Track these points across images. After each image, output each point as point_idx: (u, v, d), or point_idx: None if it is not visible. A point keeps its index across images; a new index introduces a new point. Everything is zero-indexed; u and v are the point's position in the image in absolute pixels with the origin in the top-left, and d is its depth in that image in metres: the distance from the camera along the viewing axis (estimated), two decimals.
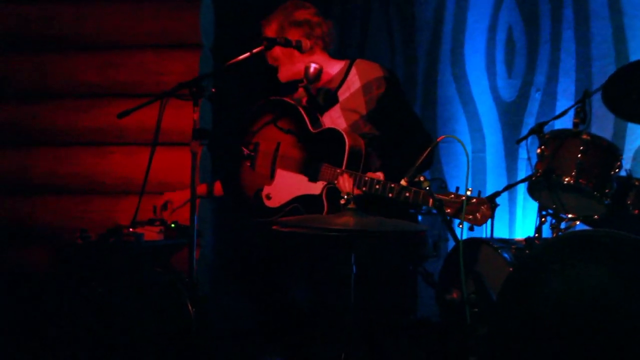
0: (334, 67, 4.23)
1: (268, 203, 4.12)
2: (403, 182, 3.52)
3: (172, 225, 4.40)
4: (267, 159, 4.19)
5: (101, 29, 5.52)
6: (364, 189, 3.77)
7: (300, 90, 4.33)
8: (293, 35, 4.13)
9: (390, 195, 3.69)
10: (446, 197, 3.50)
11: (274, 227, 3.83)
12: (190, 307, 3.75)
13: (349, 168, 3.89)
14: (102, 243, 4.22)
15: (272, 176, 4.15)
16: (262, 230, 4.10)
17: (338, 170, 3.88)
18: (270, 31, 4.19)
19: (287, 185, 4.08)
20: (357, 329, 3.80)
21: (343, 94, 4.16)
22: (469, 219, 3.46)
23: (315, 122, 4.13)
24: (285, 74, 4.25)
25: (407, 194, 3.63)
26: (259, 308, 4.27)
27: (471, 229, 3.50)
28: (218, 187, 4.46)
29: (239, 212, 4.32)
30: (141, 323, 3.79)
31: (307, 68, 4.17)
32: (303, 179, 4.04)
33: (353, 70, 4.17)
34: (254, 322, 4.62)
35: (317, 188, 3.97)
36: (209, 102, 5.36)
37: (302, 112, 4.12)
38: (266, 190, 4.14)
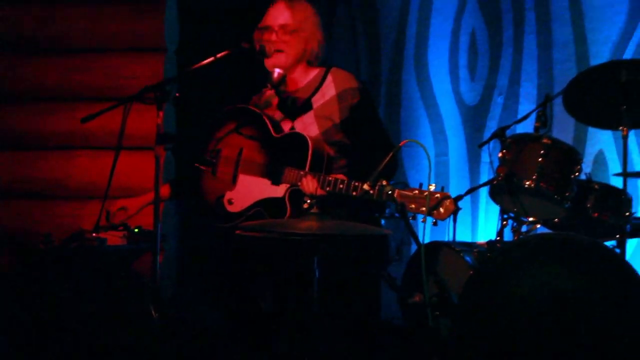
0: (310, 74, 4.26)
1: (230, 208, 4.14)
2: (366, 187, 3.56)
3: (136, 230, 4.39)
4: (229, 164, 4.20)
5: (66, 32, 5.51)
6: (328, 189, 3.81)
7: (268, 92, 4.34)
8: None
9: (354, 193, 3.74)
10: (410, 193, 3.54)
11: (237, 232, 3.85)
12: (153, 312, 3.75)
13: (312, 170, 3.92)
14: (65, 248, 4.21)
15: (234, 181, 4.16)
16: (227, 235, 4.11)
17: (302, 172, 3.91)
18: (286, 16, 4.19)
19: (250, 190, 4.10)
20: (320, 332, 3.83)
21: (317, 101, 4.19)
22: (433, 213, 3.50)
23: (278, 128, 4.16)
24: (282, 63, 4.22)
25: (372, 192, 3.66)
26: (225, 312, 4.28)
27: (435, 223, 3.54)
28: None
29: (201, 219, 4.32)
30: (104, 328, 3.78)
31: (270, 73, 4.20)
32: (266, 182, 4.06)
33: (329, 78, 4.21)
34: (218, 325, 4.63)
35: (280, 191, 4.00)
36: (173, 106, 5.36)
37: (265, 119, 4.15)
38: (228, 195, 4.16)
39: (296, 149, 3.98)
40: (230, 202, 4.15)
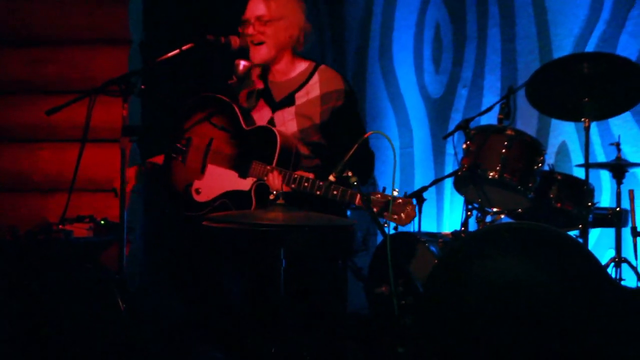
0: (297, 68, 4.24)
1: (197, 197, 4.15)
2: (331, 177, 3.57)
3: (102, 222, 4.40)
4: (198, 154, 4.21)
5: (31, 24, 5.47)
6: (292, 186, 3.83)
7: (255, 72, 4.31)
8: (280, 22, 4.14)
9: (318, 192, 3.76)
10: (372, 197, 3.57)
11: (204, 223, 3.86)
12: (120, 303, 3.75)
13: (279, 166, 3.93)
14: (31, 240, 4.19)
15: (202, 171, 4.17)
16: (195, 226, 4.11)
17: (268, 167, 3.93)
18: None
19: (217, 181, 4.11)
20: (288, 322, 3.84)
21: (300, 98, 4.18)
22: (394, 218, 3.53)
23: (249, 119, 4.17)
24: (264, 55, 4.19)
25: (335, 192, 3.70)
26: (193, 302, 4.29)
27: (395, 228, 3.58)
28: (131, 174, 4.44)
29: (169, 207, 4.33)
30: (71, 320, 3.78)
31: (236, 65, 4.20)
32: (233, 174, 4.08)
33: (315, 77, 4.19)
34: (186, 316, 4.63)
35: (246, 184, 4.02)
36: (139, 98, 5.35)
37: (236, 109, 4.16)
38: (196, 184, 4.17)
39: (265, 143, 3.99)
40: (197, 191, 4.15)
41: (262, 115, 4.23)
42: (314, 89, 4.16)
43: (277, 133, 4.00)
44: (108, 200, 5.12)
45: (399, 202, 3.55)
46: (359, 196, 3.60)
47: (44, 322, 3.72)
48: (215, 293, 4.25)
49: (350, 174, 3.55)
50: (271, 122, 4.18)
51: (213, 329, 4.24)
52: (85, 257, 4.52)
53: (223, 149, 4.15)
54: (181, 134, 4.28)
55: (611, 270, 5.18)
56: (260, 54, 4.15)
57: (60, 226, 4.26)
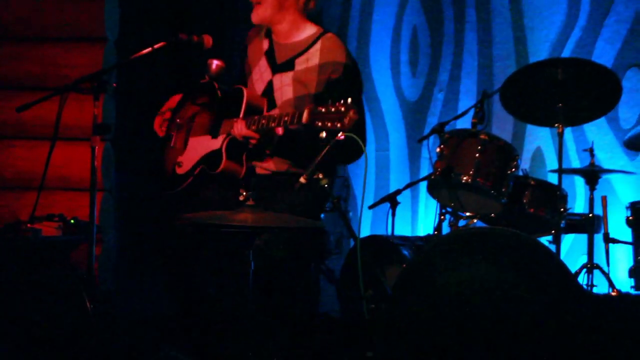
0: (305, 32, 4.14)
1: (178, 170, 4.14)
2: (302, 180, 3.55)
3: (72, 221, 4.37)
4: (182, 132, 4.22)
5: (4, 20, 5.42)
6: (253, 127, 3.85)
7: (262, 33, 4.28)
8: None
9: (272, 124, 3.79)
10: (319, 109, 3.49)
11: (178, 222, 3.84)
12: (88, 304, 3.72)
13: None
14: None
15: (185, 146, 4.16)
16: (169, 226, 4.09)
17: (235, 120, 3.93)
18: None
19: (195, 150, 4.12)
20: (258, 325, 3.83)
21: (300, 65, 4.08)
22: (337, 125, 3.42)
23: (223, 88, 4.16)
24: (261, 15, 4.12)
25: (286, 118, 3.71)
26: (164, 302, 4.27)
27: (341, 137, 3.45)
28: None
29: (161, 189, 4.29)
30: (38, 320, 3.75)
31: (209, 64, 4.18)
32: (207, 138, 4.08)
33: (318, 44, 4.08)
34: (155, 316, 4.61)
35: (217, 143, 4.02)
36: (112, 97, 5.31)
37: (215, 84, 4.13)
38: (179, 159, 4.17)
39: (235, 102, 3.99)
40: (179, 165, 4.15)
41: (262, 77, 4.17)
42: (314, 56, 4.06)
43: (243, 89, 4.02)
44: (80, 199, 5.09)
45: (340, 109, 3.42)
46: (307, 110, 3.55)
47: (10, 321, 3.68)
48: (186, 294, 4.22)
49: (320, 176, 3.54)
50: (269, 85, 4.12)
51: (181, 330, 4.22)
52: (54, 256, 4.49)
53: (202, 121, 4.16)
54: (172, 124, 4.27)
55: (583, 277, 5.19)
56: (257, 13, 4.09)
57: (29, 225, 4.23)
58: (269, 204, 3.77)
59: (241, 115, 3.94)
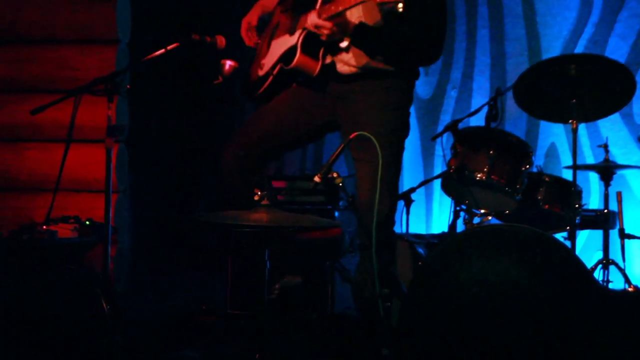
0: None
1: (259, 72, 4.05)
2: (317, 179, 3.54)
3: (87, 222, 4.37)
4: (266, 38, 4.11)
5: (17, 22, 5.45)
6: (324, 15, 3.65)
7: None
8: None
9: (340, 8, 3.59)
10: None
11: (191, 221, 3.83)
12: (104, 304, 3.72)
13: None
14: (15, 240, 4.17)
15: (268, 48, 4.10)
16: (182, 226, 4.08)
17: (309, 12, 3.76)
18: None
19: (275, 50, 4.01)
20: (274, 324, 3.83)
21: None
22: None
23: None
24: None
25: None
26: (179, 302, 4.26)
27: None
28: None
29: (246, 97, 4.21)
30: (55, 321, 3.76)
31: (222, 65, 4.17)
32: (286, 37, 3.97)
33: None
34: (170, 316, 4.62)
35: (294, 38, 3.89)
36: (125, 98, 5.33)
37: None
38: (261, 62, 4.09)
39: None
40: (261, 67, 4.06)
41: None
42: None
43: None
44: (94, 200, 5.11)
45: None
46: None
47: (26, 323, 3.69)
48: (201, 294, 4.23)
49: (335, 174, 3.53)
50: None
51: (197, 330, 4.23)
52: (70, 257, 4.49)
53: (285, 22, 4.05)
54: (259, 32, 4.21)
55: (599, 273, 5.18)
56: None
57: (45, 226, 4.24)
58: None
59: (317, 6, 3.74)
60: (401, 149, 3.91)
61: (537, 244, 3.37)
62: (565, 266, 3.31)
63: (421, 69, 6.01)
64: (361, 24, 3.71)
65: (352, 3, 3.55)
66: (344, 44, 3.74)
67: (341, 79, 3.85)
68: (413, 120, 6.67)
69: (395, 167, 3.86)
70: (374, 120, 3.68)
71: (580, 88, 4.68)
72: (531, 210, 4.79)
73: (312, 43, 3.81)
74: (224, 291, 4.44)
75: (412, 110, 6.55)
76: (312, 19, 3.69)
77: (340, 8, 3.60)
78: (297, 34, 3.88)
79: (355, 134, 3.53)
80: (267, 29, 4.19)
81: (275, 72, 3.97)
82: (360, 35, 3.72)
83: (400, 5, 3.33)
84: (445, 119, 6.54)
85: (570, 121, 4.71)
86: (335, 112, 3.88)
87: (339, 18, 3.65)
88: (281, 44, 4.00)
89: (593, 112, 4.91)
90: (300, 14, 3.93)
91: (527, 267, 3.33)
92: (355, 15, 3.72)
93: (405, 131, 3.94)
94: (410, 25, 3.63)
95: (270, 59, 4.05)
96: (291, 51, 3.87)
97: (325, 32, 3.66)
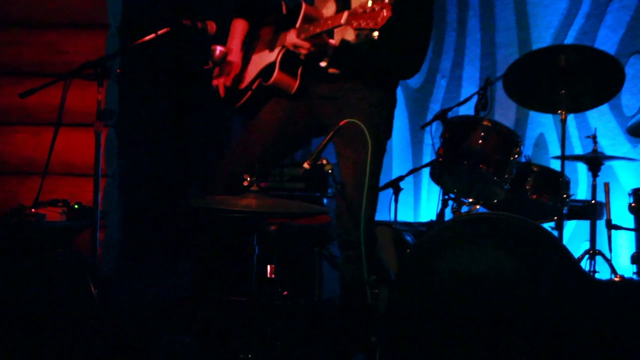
0: None
1: (240, 85, 4.06)
2: (306, 165, 3.54)
3: (76, 206, 4.37)
4: (248, 53, 4.14)
5: (7, 6, 5.42)
6: (302, 35, 3.69)
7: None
8: None
9: (318, 30, 3.62)
10: (360, 9, 3.42)
11: (182, 207, 3.82)
12: (92, 288, 3.72)
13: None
14: (3, 223, 4.16)
15: (248, 62, 4.11)
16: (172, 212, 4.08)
17: (289, 30, 3.80)
18: None
19: (255, 65, 4.03)
20: (261, 311, 3.84)
21: None
22: (370, 25, 3.36)
23: (289, 6, 4.05)
24: None
25: (329, 22, 3.57)
26: (166, 286, 4.26)
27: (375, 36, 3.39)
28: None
29: (225, 105, 4.21)
30: (42, 304, 3.76)
31: (212, 50, 4.17)
32: (266, 52, 4.00)
33: None
34: (158, 301, 4.62)
35: (273, 55, 3.92)
36: (115, 83, 5.31)
37: (283, 4, 4.03)
38: (243, 74, 4.09)
39: (294, 16, 3.84)
40: (241, 80, 4.08)
41: None
42: None
43: (302, 3, 3.84)
44: (82, 185, 5.11)
45: (374, 7, 3.30)
46: (346, 12, 3.41)
47: (14, 306, 3.69)
48: (188, 278, 4.23)
49: (325, 161, 3.53)
50: None
51: (185, 315, 4.23)
52: (58, 241, 4.49)
53: (265, 37, 4.08)
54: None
55: (585, 263, 5.21)
56: None
57: (33, 210, 4.23)
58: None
59: (297, 25, 3.78)
60: (383, 150, 3.91)
61: (525, 232, 3.39)
62: (552, 255, 3.33)
63: None
64: (340, 45, 3.73)
65: (330, 26, 3.58)
66: (323, 64, 3.76)
67: (328, 78, 3.86)
68: (402, 109, 6.70)
69: (376, 166, 3.84)
70: (361, 116, 3.67)
71: (569, 79, 4.69)
72: (519, 200, 4.82)
73: (290, 61, 3.85)
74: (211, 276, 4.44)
75: (401, 98, 6.65)
76: (291, 38, 3.73)
77: (319, 30, 3.64)
78: (276, 50, 3.91)
79: (345, 121, 3.53)
80: (248, 39, 4.20)
81: (254, 87, 4.00)
82: (339, 57, 3.74)
83: (376, 33, 3.35)
84: (435, 107, 6.56)
85: (559, 112, 4.72)
86: (323, 113, 3.87)
87: (317, 39, 3.68)
88: (261, 59, 4.02)
89: (582, 102, 4.92)
90: (281, 30, 3.96)
91: (514, 255, 3.35)
92: (334, 38, 3.74)
93: (388, 133, 3.94)
94: (388, 50, 3.65)
95: (250, 73, 4.07)
96: (270, 68, 3.90)
97: (304, 52, 3.70)
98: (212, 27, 4.13)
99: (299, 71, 3.87)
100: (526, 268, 3.35)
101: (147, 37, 4.02)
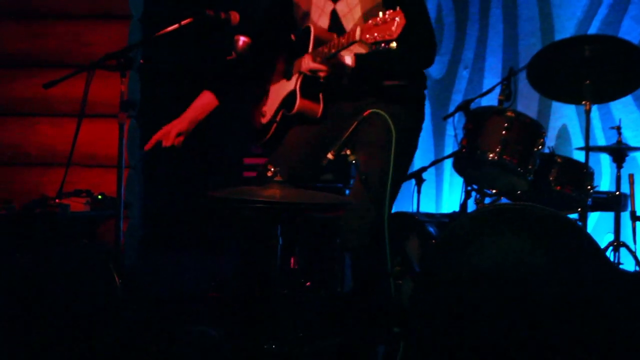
0: None
1: (262, 120, 4.05)
2: (330, 156, 3.53)
3: (99, 196, 4.38)
4: (266, 85, 4.13)
5: None
6: (318, 59, 3.68)
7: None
8: None
9: (333, 51, 3.62)
10: (372, 22, 3.41)
11: (205, 198, 3.80)
12: (116, 278, 3.73)
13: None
14: (27, 213, 4.17)
15: (267, 95, 4.10)
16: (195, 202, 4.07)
17: (303, 56, 3.79)
18: None
19: (275, 96, 4.02)
20: (282, 302, 3.83)
21: None
22: (386, 37, 3.35)
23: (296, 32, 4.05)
24: None
25: (343, 40, 3.57)
26: (189, 278, 4.26)
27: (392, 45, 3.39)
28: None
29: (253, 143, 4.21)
30: (67, 294, 3.77)
31: (235, 41, 4.15)
32: (283, 82, 3.98)
33: None
34: (181, 292, 4.62)
35: (292, 83, 3.90)
36: (138, 74, 5.32)
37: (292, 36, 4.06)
38: (263, 109, 4.09)
39: (304, 42, 3.84)
40: (263, 114, 4.06)
41: (324, 11, 3.93)
42: None
43: (310, 26, 3.83)
44: (105, 175, 5.13)
45: (386, 18, 3.32)
46: (358, 27, 3.43)
47: (39, 296, 3.70)
48: (213, 270, 4.23)
49: (348, 152, 3.51)
50: (334, 15, 3.89)
51: (208, 306, 4.23)
52: (82, 231, 4.50)
53: (280, 68, 4.06)
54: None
55: (609, 255, 5.18)
56: None
57: (57, 200, 4.24)
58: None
59: (310, 50, 3.77)
60: (407, 162, 3.90)
61: (552, 223, 3.36)
62: (579, 246, 3.31)
63: None
64: (356, 61, 3.70)
65: (345, 44, 3.56)
66: (344, 82, 3.75)
67: (351, 96, 3.84)
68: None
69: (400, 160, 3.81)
70: (385, 129, 3.64)
71: (594, 69, 4.65)
72: (543, 191, 4.78)
73: (310, 86, 3.83)
74: (236, 267, 4.44)
75: None
76: (307, 63, 3.71)
77: (333, 50, 3.62)
78: (294, 78, 3.89)
79: (369, 111, 3.52)
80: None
81: (278, 118, 3.99)
82: (357, 72, 3.71)
83: (394, 44, 3.35)
84: (457, 98, 6.53)
85: (583, 102, 4.68)
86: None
87: (333, 59, 3.67)
88: (279, 90, 4.01)
89: (606, 93, 4.88)
90: (293, 57, 3.94)
91: (541, 247, 3.32)
92: (349, 56, 3.71)
93: (410, 147, 3.94)
94: (399, 51, 3.59)
95: (271, 106, 4.05)
96: (291, 96, 3.89)
97: (322, 74, 3.69)
98: (235, 17, 4.12)
99: (320, 95, 3.86)
100: (553, 259, 3.33)
101: (171, 28, 4.01)
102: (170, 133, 3.84)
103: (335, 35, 3.76)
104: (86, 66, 4.08)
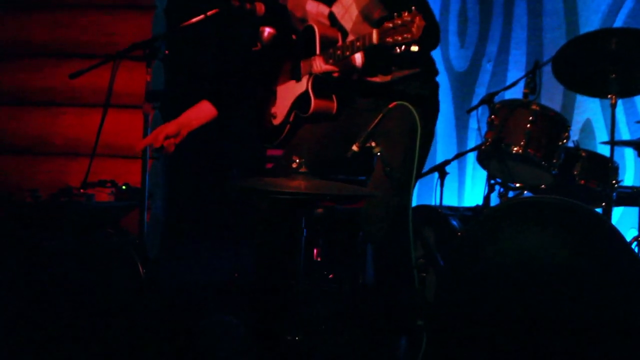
0: None
1: (274, 122, 4.06)
2: (355, 148, 3.52)
3: (124, 187, 4.39)
4: (272, 85, 4.14)
5: None
6: (330, 61, 3.70)
7: None
8: None
9: (347, 53, 3.62)
10: (390, 24, 3.41)
11: (229, 188, 3.80)
12: (140, 268, 3.74)
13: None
14: (53, 203, 4.19)
15: (275, 96, 4.12)
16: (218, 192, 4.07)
17: (313, 58, 3.80)
18: None
19: (284, 98, 4.03)
20: (304, 295, 3.83)
21: None
22: (408, 38, 3.36)
23: (296, 32, 4.06)
24: None
25: (358, 43, 3.55)
26: (212, 268, 4.26)
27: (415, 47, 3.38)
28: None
29: (264, 144, 4.23)
30: (91, 283, 3.78)
31: (261, 32, 4.15)
32: (292, 83, 3.99)
33: None
34: (205, 282, 4.62)
35: (302, 85, 3.91)
36: (162, 64, 5.32)
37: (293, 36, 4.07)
38: (272, 110, 4.10)
39: (308, 41, 3.85)
40: (273, 116, 4.07)
41: (320, 14, 3.96)
42: None
43: (313, 25, 3.84)
44: (129, 165, 5.14)
45: (406, 19, 3.30)
46: (375, 31, 3.39)
47: (63, 285, 3.72)
48: (236, 261, 4.23)
49: (373, 144, 3.51)
50: (331, 17, 3.92)
51: (231, 296, 4.24)
52: (106, 221, 4.52)
53: (285, 69, 4.06)
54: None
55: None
56: None
57: (82, 190, 4.25)
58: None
59: (318, 51, 3.79)
60: (421, 157, 3.88)
61: (578, 216, 3.34)
62: (606, 239, 3.29)
63: (457, 41, 5.94)
64: (366, 57, 3.71)
65: (359, 47, 3.55)
66: (354, 77, 3.76)
67: (364, 92, 3.85)
68: (447, 93, 6.66)
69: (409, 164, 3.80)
70: (403, 121, 3.65)
71: (620, 63, 4.62)
72: (567, 185, 4.75)
73: (322, 86, 3.83)
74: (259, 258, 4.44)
75: (446, 82, 6.61)
76: (320, 66, 3.73)
77: (348, 53, 3.63)
78: (304, 79, 3.89)
79: (395, 103, 3.51)
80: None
81: (291, 119, 3.99)
82: (368, 69, 3.73)
83: (415, 48, 3.32)
84: (480, 92, 6.50)
85: (609, 96, 4.65)
86: (364, 124, 3.81)
87: (345, 60, 3.67)
88: (288, 91, 4.01)
89: (632, 87, 4.84)
90: (298, 58, 3.95)
91: (566, 240, 3.31)
92: (358, 54, 3.71)
93: (432, 137, 3.96)
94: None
95: (281, 107, 4.05)
96: (303, 98, 3.89)
97: (335, 75, 3.71)
98: (260, 8, 4.11)
99: (333, 93, 3.86)
100: (580, 252, 3.31)
101: (196, 19, 4.02)
102: (159, 136, 3.84)
103: (339, 34, 3.78)
104: (112, 56, 4.09)
